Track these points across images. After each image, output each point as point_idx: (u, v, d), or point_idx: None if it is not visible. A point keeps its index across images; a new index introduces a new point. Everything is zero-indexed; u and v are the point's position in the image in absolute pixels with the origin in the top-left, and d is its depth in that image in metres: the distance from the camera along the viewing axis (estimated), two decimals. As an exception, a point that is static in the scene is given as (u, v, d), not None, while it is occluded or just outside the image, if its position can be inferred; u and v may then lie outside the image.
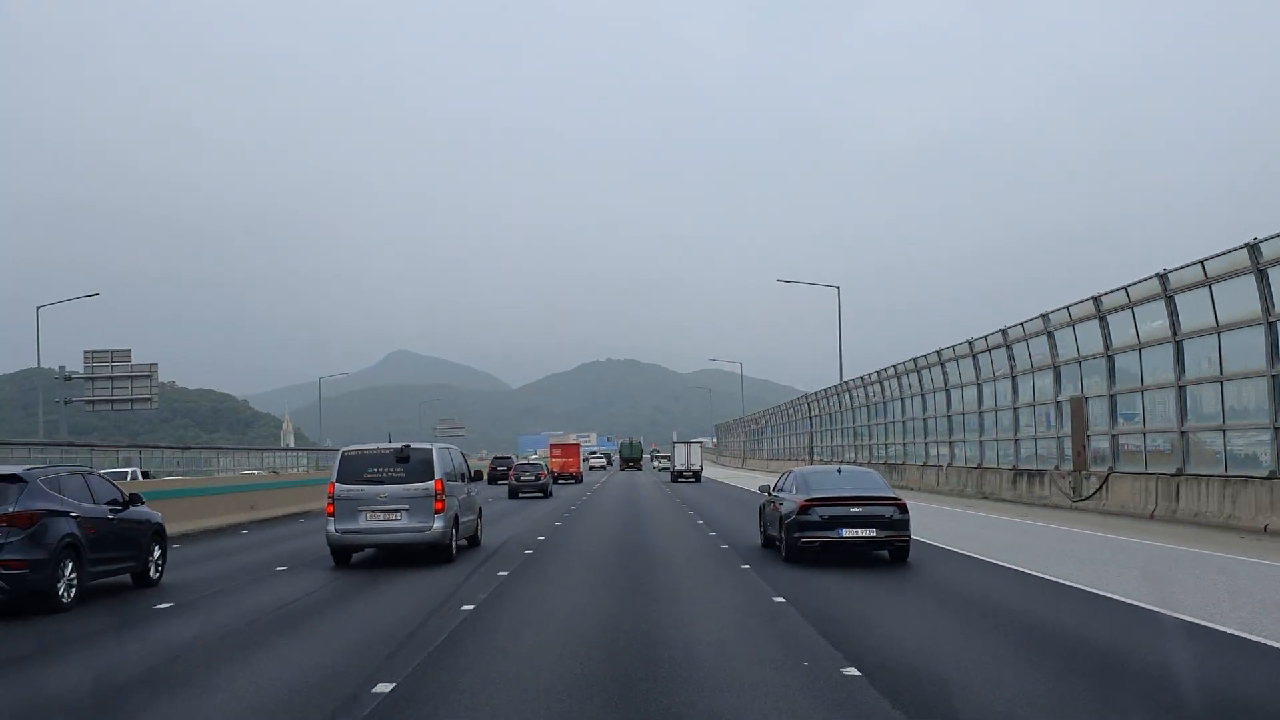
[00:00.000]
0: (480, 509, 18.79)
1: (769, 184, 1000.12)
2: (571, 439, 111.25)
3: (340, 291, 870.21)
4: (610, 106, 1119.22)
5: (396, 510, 14.90)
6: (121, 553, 12.75)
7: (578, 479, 57.34)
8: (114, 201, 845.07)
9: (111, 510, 12.74)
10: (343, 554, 15.20)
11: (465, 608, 10.55)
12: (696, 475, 54.47)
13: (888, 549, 14.25)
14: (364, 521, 14.88)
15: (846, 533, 13.83)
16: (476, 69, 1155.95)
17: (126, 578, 13.03)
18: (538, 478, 39.05)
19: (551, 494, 39.36)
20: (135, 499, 13.67)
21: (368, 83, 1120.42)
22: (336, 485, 15.01)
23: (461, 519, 16.32)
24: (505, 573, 13.75)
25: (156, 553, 13.59)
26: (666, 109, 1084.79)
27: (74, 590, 11.41)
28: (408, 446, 15.52)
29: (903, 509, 14.06)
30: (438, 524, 15.00)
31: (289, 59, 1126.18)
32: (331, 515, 14.95)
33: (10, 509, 10.88)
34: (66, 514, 11.57)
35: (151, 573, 13.42)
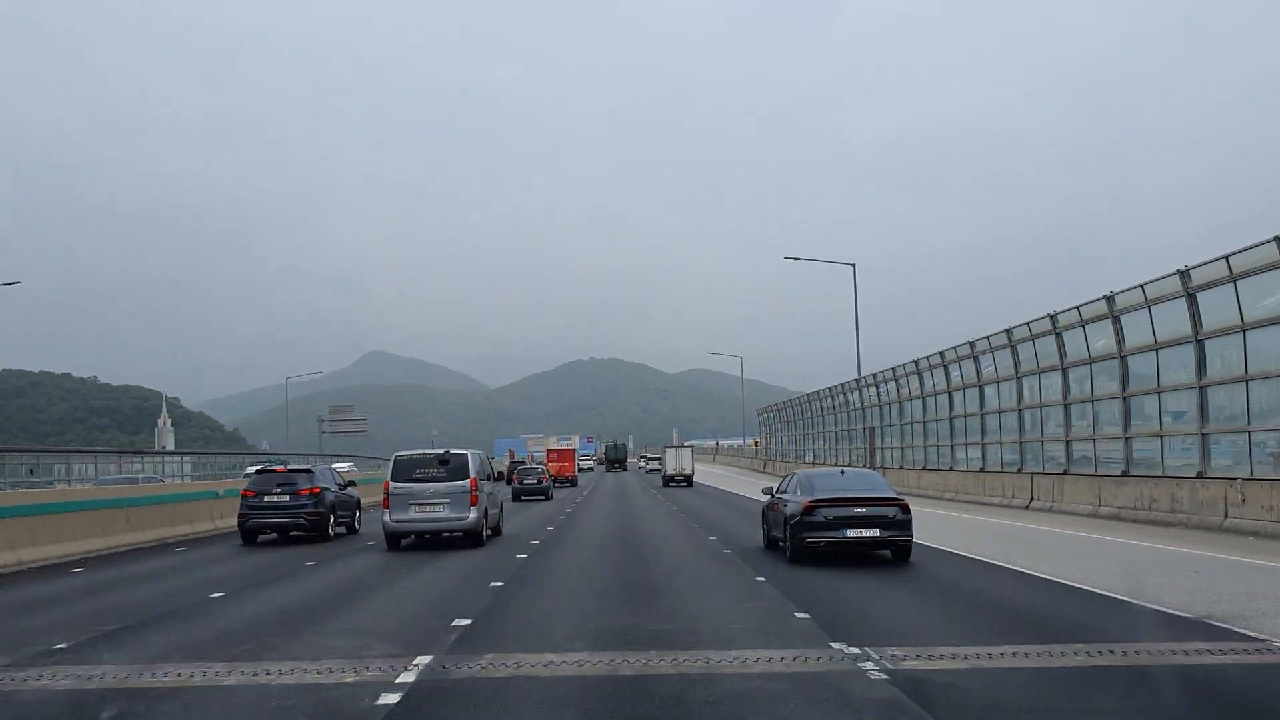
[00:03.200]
0: (502, 504, 23.15)
1: (756, 179, 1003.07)
2: (552, 441, 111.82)
3: (315, 291, 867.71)
4: (593, 100, 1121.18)
5: (439, 503, 18.51)
6: (347, 513, 22.76)
7: (573, 481, 60.99)
8: (73, 194, 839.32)
9: (340, 488, 22.74)
10: (394, 539, 18.80)
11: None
12: (688, 480, 56.24)
13: (890, 549, 14.72)
14: (413, 512, 18.54)
15: (850, 533, 14.32)
16: (456, 63, 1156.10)
17: (344, 529, 22.37)
18: (540, 481, 42.45)
19: (552, 496, 42.36)
20: (351, 483, 24.40)
21: (344, 77, 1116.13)
22: (391, 483, 18.74)
23: (489, 512, 20.04)
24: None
25: (358, 515, 23.58)
26: (650, 103, 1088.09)
27: (333, 531, 21.56)
28: (448, 451, 19.45)
29: (905, 509, 14.54)
30: (472, 515, 18.63)
31: (261, 48, 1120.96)
32: (386, 508, 18.73)
33: (309, 486, 21.31)
34: (329, 489, 21.87)
35: (355, 525, 23.13)
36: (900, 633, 9.16)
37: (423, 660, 8.02)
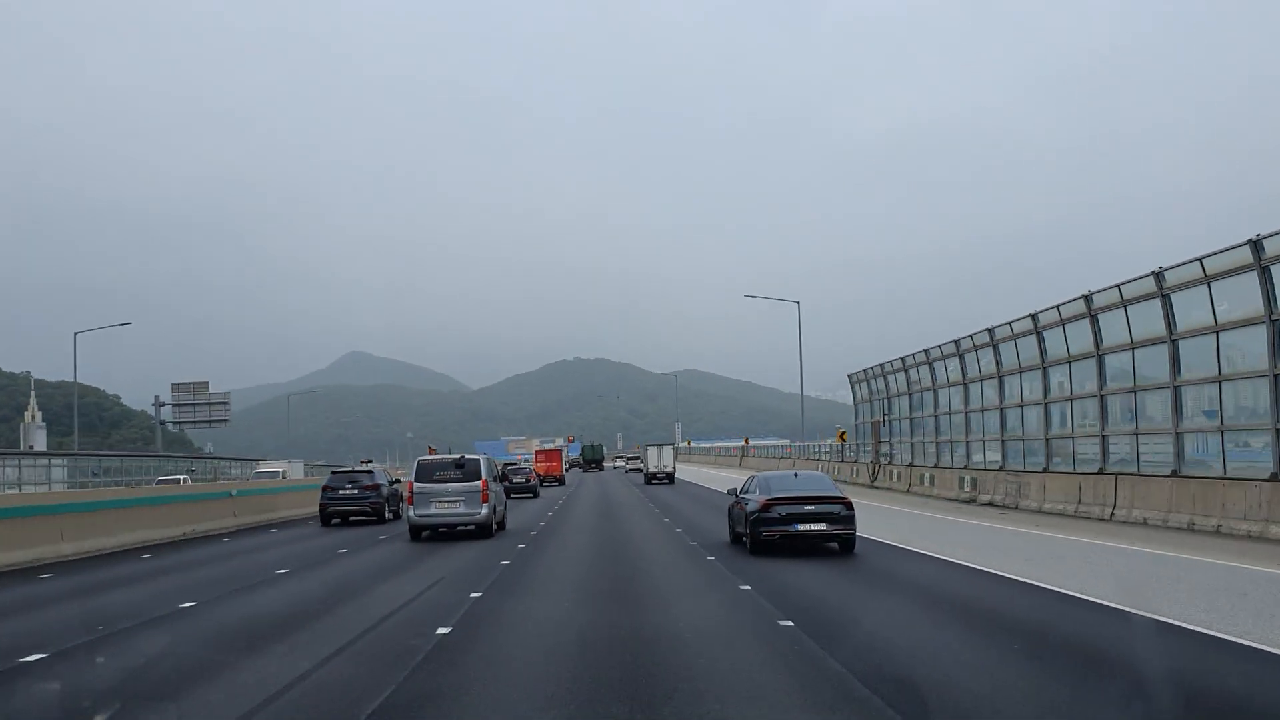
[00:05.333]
0: (506, 502, 27.39)
1: (748, 177, 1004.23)
2: (537, 443, 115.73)
3: (295, 290, 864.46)
4: (580, 98, 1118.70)
5: (456, 501, 22.25)
6: (395, 504, 29.52)
7: (561, 481, 65.75)
8: (49, 190, 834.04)
9: (389, 484, 29.92)
10: (417, 532, 22.63)
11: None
12: (669, 477, 59.27)
13: (836, 541, 17.70)
14: (434, 509, 22.37)
15: (801, 527, 17.27)
16: (439, 55, 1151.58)
17: (392, 515, 29.30)
18: (528, 480, 47.69)
19: (539, 494, 47.18)
20: (397, 480, 31.43)
21: (327, 73, 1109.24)
22: (415, 484, 22.54)
23: (497, 508, 23.81)
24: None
25: (402, 505, 27.57)
26: (639, 100, 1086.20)
27: (390, 515, 28.90)
28: (463, 456, 23.68)
29: (849, 506, 17.51)
30: (484, 511, 22.41)
31: (238, 42, 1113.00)
32: (411, 504, 22.60)
33: (371, 483, 28.66)
34: (384, 485, 29.20)
35: (399, 514, 28.37)
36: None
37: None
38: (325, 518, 28.51)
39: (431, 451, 48.78)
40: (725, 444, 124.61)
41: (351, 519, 28.48)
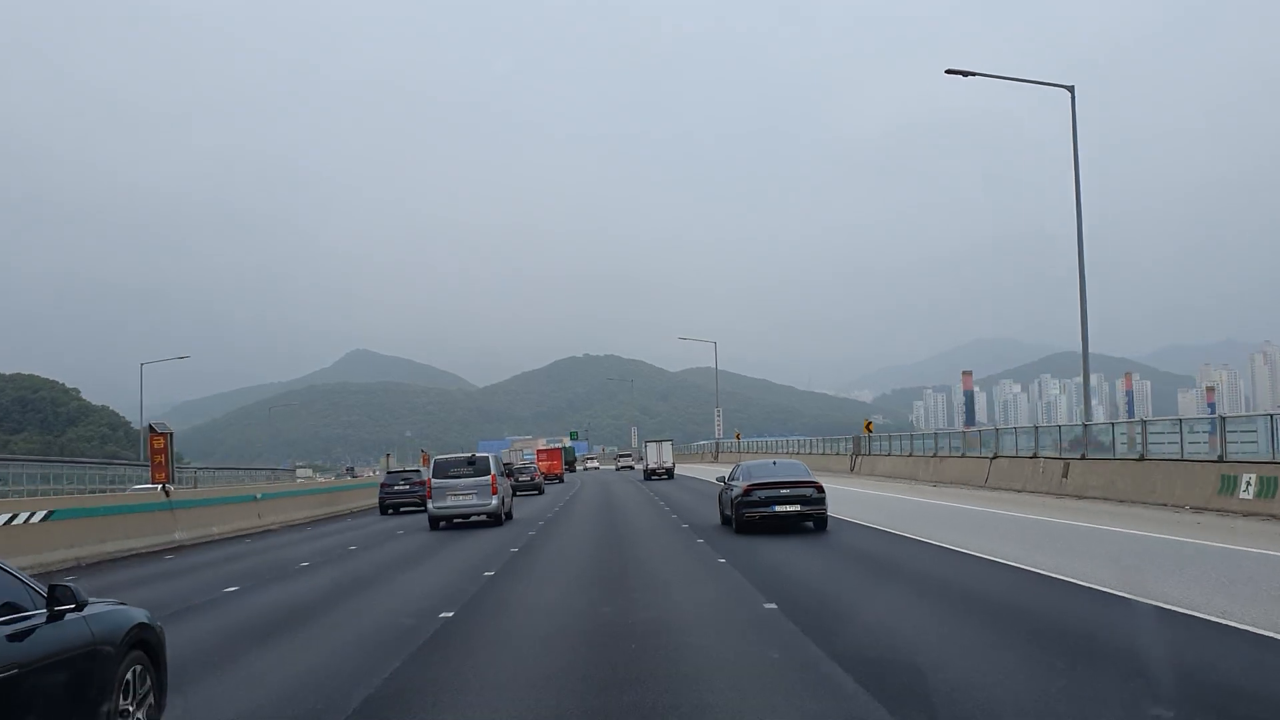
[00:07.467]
0: (514, 494, 32.11)
1: (755, 176, 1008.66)
2: (542, 443, 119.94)
3: (299, 288, 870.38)
4: (587, 91, 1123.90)
5: (469, 493, 25.82)
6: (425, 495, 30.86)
7: (561, 479, 69.91)
8: (62, 192, 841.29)
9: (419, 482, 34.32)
10: (435, 522, 26.11)
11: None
12: (669, 472, 62.61)
13: (810, 520, 20.67)
14: (450, 500, 25.94)
15: (779, 508, 20.30)
16: (442, 53, 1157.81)
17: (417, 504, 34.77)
18: (533, 478, 51.59)
19: (544, 491, 50.99)
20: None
21: (330, 73, 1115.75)
22: (433, 480, 26.37)
23: (506, 500, 27.43)
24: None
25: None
26: (643, 96, 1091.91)
27: (426, 505, 29.22)
28: (474, 455, 27.42)
29: (819, 489, 20.59)
30: (494, 502, 26.02)
31: (238, 41, 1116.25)
32: (430, 498, 26.38)
33: (419, 480, 35.01)
34: (424, 480, 29.98)
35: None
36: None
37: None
38: (384, 508, 36.40)
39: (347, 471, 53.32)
40: (808, 437, 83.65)
41: (402, 509, 35.63)
